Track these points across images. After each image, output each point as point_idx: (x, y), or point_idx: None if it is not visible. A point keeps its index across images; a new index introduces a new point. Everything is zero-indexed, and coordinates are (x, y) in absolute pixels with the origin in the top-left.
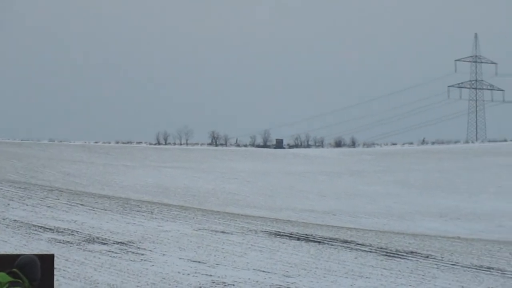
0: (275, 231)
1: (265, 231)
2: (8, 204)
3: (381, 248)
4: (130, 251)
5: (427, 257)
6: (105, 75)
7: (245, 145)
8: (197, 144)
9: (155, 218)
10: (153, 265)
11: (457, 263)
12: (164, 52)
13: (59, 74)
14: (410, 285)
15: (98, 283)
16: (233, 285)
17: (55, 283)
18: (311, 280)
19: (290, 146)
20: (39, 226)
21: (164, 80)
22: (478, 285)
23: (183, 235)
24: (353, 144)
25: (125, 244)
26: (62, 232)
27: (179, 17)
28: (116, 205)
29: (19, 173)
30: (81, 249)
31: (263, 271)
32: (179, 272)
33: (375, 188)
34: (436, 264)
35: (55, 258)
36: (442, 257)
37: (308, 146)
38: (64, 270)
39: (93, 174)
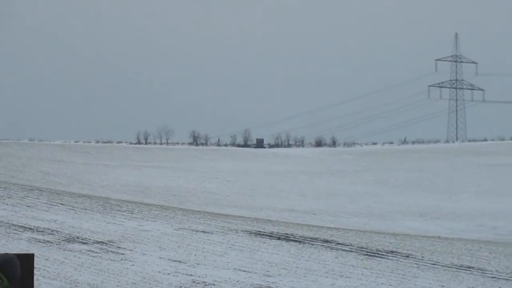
0: (255, 230)
1: (245, 231)
2: None
3: (362, 247)
4: (110, 251)
5: (408, 256)
6: (84, 75)
7: (226, 145)
8: (177, 143)
9: (136, 217)
10: (133, 265)
11: (437, 262)
12: (142, 51)
13: (38, 73)
14: (390, 285)
15: (78, 282)
16: (214, 284)
17: (35, 283)
18: (291, 279)
19: (271, 146)
20: (18, 225)
21: (143, 79)
22: (458, 285)
23: (164, 235)
24: (334, 143)
25: (105, 243)
26: (42, 231)
27: (163, 15)
28: (96, 205)
29: None
30: (61, 248)
31: (244, 271)
32: (159, 272)
33: (355, 188)
34: (416, 263)
35: (35, 258)
36: (423, 257)
37: (289, 145)
38: (44, 269)
39: (73, 174)
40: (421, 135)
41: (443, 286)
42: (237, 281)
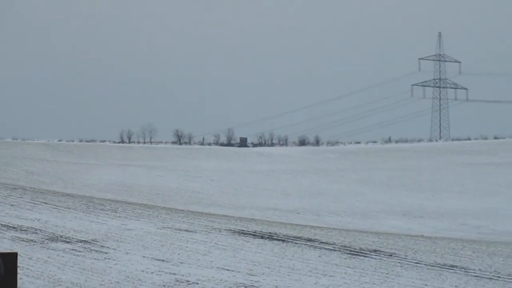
0: (239, 229)
1: (229, 230)
2: None
3: (345, 246)
4: (94, 250)
5: (391, 255)
6: (67, 74)
7: (209, 144)
8: (161, 142)
9: (119, 216)
10: (116, 264)
11: (420, 261)
12: (126, 50)
13: (20, 72)
14: (373, 283)
15: (61, 281)
16: (197, 283)
17: (18, 282)
18: (275, 278)
19: (254, 145)
20: (2, 224)
21: (127, 78)
22: (442, 283)
23: (147, 234)
24: (317, 142)
25: (89, 242)
26: (25, 230)
27: (144, 14)
28: (79, 204)
29: None
30: (44, 247)
31: (227, 270)
32: (142, 271)
33: (339, 187)
34: (399, 262)
35: (18, 257)
36: (406, 256)
37: (272, 144)
38: (27, 268)
39: (57, 173)
40: (405, 134)
41: (426, 285)
42: (221, 280)
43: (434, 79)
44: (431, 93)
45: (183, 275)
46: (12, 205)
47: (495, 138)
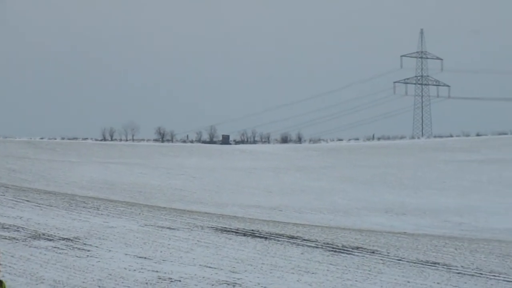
0: (221, 227)
1: (211, 227)
2: None
3: (327, 243)
4: (76, 247)
5: (373, 252)
6: (49, 71)
7: (192, 141)
8: (143, 140)
9: (101, 214)
10: (99, 261)
11: (403, 258)
12: (107, 48)
13: (1, 70)
14: (356, 280)
15: (44, 279)
16: (180, 281)
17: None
18: (257, 275)
19: (237, 142)
20: None
21: (108, 76)
22: (424, 280)
23: (129, 231)
24: (299, 140)
25: (71, 240)
26: (7, 228)
27: (125, 11)
28: (62, 201)
29: None
30: (27, 245)
31: (210, 267)
32: (125, 268)
33: (321, 184)
34: (382, 259)
35: (0, 254)
36: (388, 253)
37: (254, 142)
38: (9, 266)
39: (39, 170)
40: (387, 131)
41: (409, 282)
42: (203, 277)
43: (416, 76)
44: (413, 90)
45: (165, 273)
46: None
47: (477, 135)
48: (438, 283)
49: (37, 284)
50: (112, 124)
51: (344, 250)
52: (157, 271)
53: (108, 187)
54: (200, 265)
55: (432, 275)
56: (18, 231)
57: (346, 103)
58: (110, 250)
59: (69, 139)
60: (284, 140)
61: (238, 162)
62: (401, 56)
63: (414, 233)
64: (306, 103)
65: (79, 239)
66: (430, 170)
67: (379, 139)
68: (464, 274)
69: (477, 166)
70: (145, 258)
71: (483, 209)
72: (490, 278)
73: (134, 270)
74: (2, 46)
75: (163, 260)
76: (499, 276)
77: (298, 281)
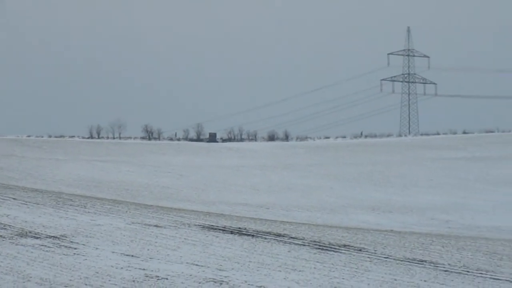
0: (208, 224)
1: (198, 225)
2: None
3: (314, 241)
4: (63, 245)
5: (360, 250)
6: (36, 69)
7: (178, 139)
8: (130, 138)
9: (88, 212)
10: (86, 259)
11: (390, 256)
12: (94, 45)
13: None
14: (343, 278)
15: (31, 277)
16: (167, 278)
17: None
18: (244, 273)
19: (224, 140)
20: None
21: (95, 73)
22: (411, 278)
23: (116, 229)
24: (286, 137)
25: (58, 238)
26: None
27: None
28: (49, 199)
29: None
30: (13, 243)
31: (197, 265)
32: (112, 266)
33: (308, 182)
34: (369, 257)
35: None
36: (375, 250)
37: (242, 139)
38: None
39: (26, 168)
40: (374, 129)
41: (396, 280)
42: (190, 275)
43: (403, 74)
44: (400, 88)
45: (152, 271)
46: None
47: (464, 133)
48: (425, 280)
49: (24, 282)
50: (99, 122)
51: (331, 248)
52: (144, 269)
53: (95, 185)
54: (187, 263)
55: (419, 273)
56: (5, 229)
57: (333, 101)
58: (97, 248)
59: (56, 137)
60: (271, 138)
61: (225, 160)
62: (388, 54)
63: (401, 231)
64: (293, 101)
65: (66, 237)
66: (417, 168)
67: (366, 137)
68: (451, 271)
69: (464, 164)
70: (132, 256)
71: (470, 207)
72: (477, 276)
73: (121, 268)
74: None
75: (150, 258)
76: (486, 274)
77: (285, 279)
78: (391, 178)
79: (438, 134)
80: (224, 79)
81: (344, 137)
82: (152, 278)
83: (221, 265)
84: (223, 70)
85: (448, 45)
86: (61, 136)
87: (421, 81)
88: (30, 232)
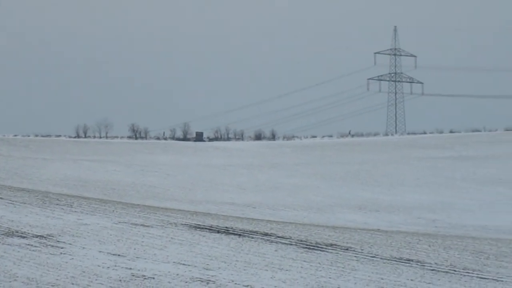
0: (195, 224)
1: (185, 224)
2: None
3: (301, 240)
4: (50, 245)
5: (347, 249)
6: (22, 68)
7: (165, 138)
8: (117, 137)
9: (75, 211)
10: (72, 259)
11: (376, 255)
12: (81, 44)
13: None
14: (330, 277)
15: (17, 276)
16: (153, 278)
17: None
18: (231, 273)
19: (210, 139)
20: None
21: (82, 73)
22: (398, 277)
23: (103, 228)
24: (273, 137)
25: (45, 237)
26: None
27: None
28: (35, 199)
29: None
30: (0, 242)
31: (183, 264)
32: (98, 266)
33: (294, 181)
34: (355, 256)
35: None
36: (362, 249)
37: (228, 139)
38: None
39: (12, 168)
40: (361, 128)
41: (382, 279)
42: (177, 275)
43: (389, 73)
44: (387, 87)
45: (139, 270)
46: None
47: (451, 132)
48: (412, 280)
49: (10, 282)
50: (85, 121)
51: (318, 247)
52: (130, 268)
53: (82, 184)
54: (174, 262)
55: (406, 272)
56: None
57: (319, 100)
58: (83, 248)
59: (42, 136)
60: (258, 137)
61: (212, 159)
62: (375, 53)
63: (387, 230)
64: (280, 100)
65: (53, 236)
66: (404, 167)
67: (353, 136)
68: (438, 271)
69: (450, 163)
70: (118, 255)
71: (456, 206)
72: (464, 275)
73: (108, 267)
74: None
75: (137, 257)
76: (472, 273)
77: (272, 278)
78: (378, 177)
79: (425, 133)
80: (211, 79)
81: (331, 136)
82: (138, 277)
83: (208, 264)
84: (209, 70)
85: (434, 44)
86: (47, 136)
87: (408, 80)
88: (16, 232)
